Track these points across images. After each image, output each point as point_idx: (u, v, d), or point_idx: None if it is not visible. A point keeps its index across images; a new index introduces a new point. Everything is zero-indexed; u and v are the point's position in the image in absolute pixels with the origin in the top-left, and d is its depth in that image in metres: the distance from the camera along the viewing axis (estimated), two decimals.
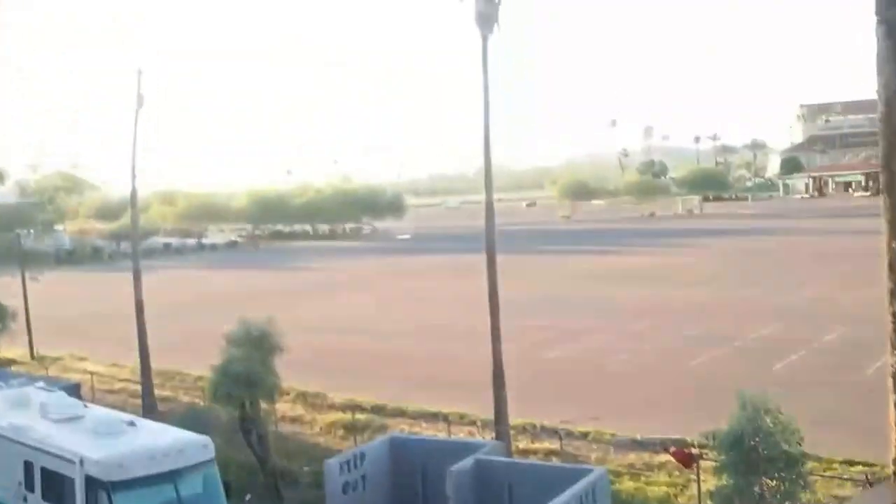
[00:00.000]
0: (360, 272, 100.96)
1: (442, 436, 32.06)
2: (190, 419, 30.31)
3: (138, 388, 41.40)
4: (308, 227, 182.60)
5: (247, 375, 29.06)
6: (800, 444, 18.84)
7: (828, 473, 25.54)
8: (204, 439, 23.06)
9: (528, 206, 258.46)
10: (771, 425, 18.57)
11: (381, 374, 45.01)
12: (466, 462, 23.00)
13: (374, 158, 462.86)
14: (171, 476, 21.77)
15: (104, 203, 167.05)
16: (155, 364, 41.87)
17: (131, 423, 23.86)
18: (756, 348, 46.36)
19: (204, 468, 22.53)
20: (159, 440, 22.94)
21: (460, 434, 32.90)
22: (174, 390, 43.47)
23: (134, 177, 42.87)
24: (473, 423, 34.30)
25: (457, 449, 24.92)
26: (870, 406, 34.51)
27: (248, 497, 26.70)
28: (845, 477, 25.83)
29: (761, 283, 71.43)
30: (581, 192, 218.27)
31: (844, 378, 38.92)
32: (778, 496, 18.72)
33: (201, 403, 34.97)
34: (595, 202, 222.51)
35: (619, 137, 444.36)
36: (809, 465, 20.67)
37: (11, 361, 52.87)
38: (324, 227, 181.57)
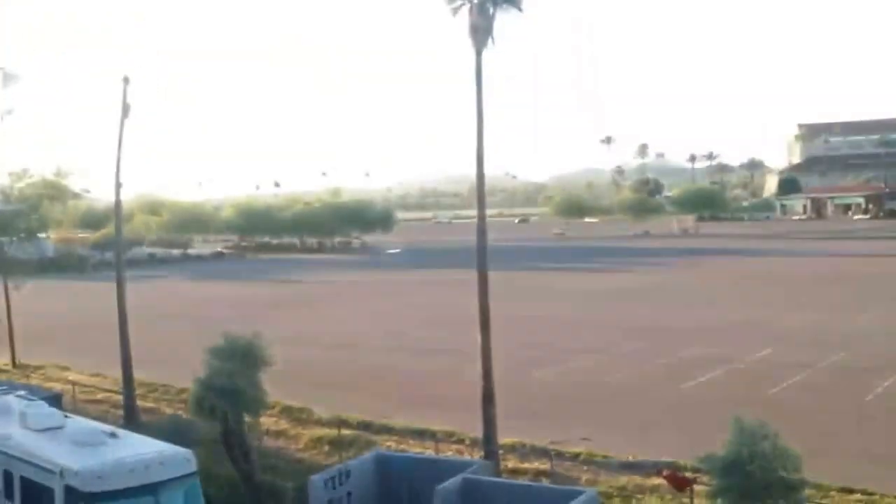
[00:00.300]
0: (348, 286, 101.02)
1: (429, 453, 31.99)
2: (172, 431, 30.22)
3: (121, 398, 41.28)
4: (296, 240, 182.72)
5: (231, 389, 28.98)
6: (798, 471, 18.74)
7: (825, 502, 25.44)
8: (186, 452, 23.00)
9: (519, 221, 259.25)
10: (769, 451, 18.46)
11: (368, 389, 44.88)
12: (454, 481, 22.89)
13: (364, 172, 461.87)
14: (152, 489, 21.70)
15: (88, 211, 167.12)
16: (138, 375, 41.84)
17: (112, 435, 23.80)
18: (752, 371, 46.32)
19: (186, 482, 22.46)
20: (141, 452, 22.86)
21: (448, 452, 32.82)
22: (157, 402, 43.28)
23: (118, 186, 42.79)
24: (462, 441, 34.17)
25: (444, 467, 24.82)
26: (870, 430, 34.85)
27: None
28: None
29: (759, 304, 71.41)
30: (575, 209, 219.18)
31: (842, 404, 38.92)
32: None
33: (185, 416, 34.84)
34: (588, 220, 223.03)
35: (614, 154, 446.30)
36: (806, 492, 20.55)
37: None
38: (311, 241, 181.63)
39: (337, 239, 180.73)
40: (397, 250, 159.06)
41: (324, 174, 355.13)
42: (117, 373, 42.06)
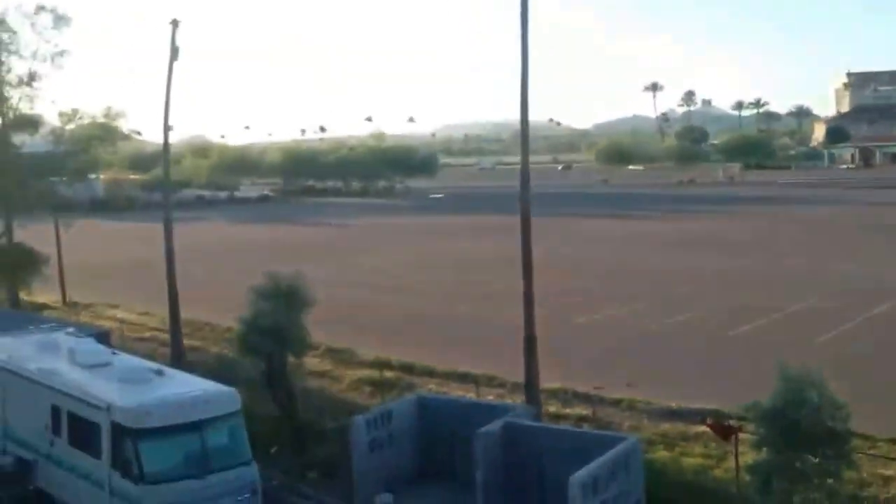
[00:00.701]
0: (393, 230, 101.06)
1: (471, 397, 31.92)
2: (217, 370, 30.45)
3: (168, 337, 41.58)
4: (340, 184, 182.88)
5: (274, 329, 29.05)
6: (846, 421, 18.39)
7: (873, 452, 25.05)
8: (230, 391, 23.05)
9: (562, 169, 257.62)
10: (816, 400, 18.11)
11: (411, 332, 44.87)
12: (495, 425, 22.78)
13: (408, 117, 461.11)
14: (197, 426, 21.78)
15: (138, 153, 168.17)
16: (186, 314, 42.06)
17: (159, 372, 23.90)
18: (801, 320, 45.83)
19: (230, 419, 22.53)
20: (186, 390, 22.96)
21: (490, 397, 32.71)
22: (203, 341, 43.62)
23: (167, 128, 42.96)
24: (503, 385, 34.07)
25: (485, 411, 24.71)
26: None
27: (273, 450, 26.70)
28: (892, 456, 25.23)
29: (806, 253, 70.56)
30: (619, 156, 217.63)
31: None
32: (821, 474, 18.34)
33: (230, 355, 35.00)
34: (632, 167, 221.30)
35: (659, 101, 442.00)
36: (854, 442, 20.20)
37: (44, 306, 53.51)
38: (355, 185, 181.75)
39: (381, 183, 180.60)
40: (440, 195, 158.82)
41: (368, 119, 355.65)
42: (165, 312, 42.32)
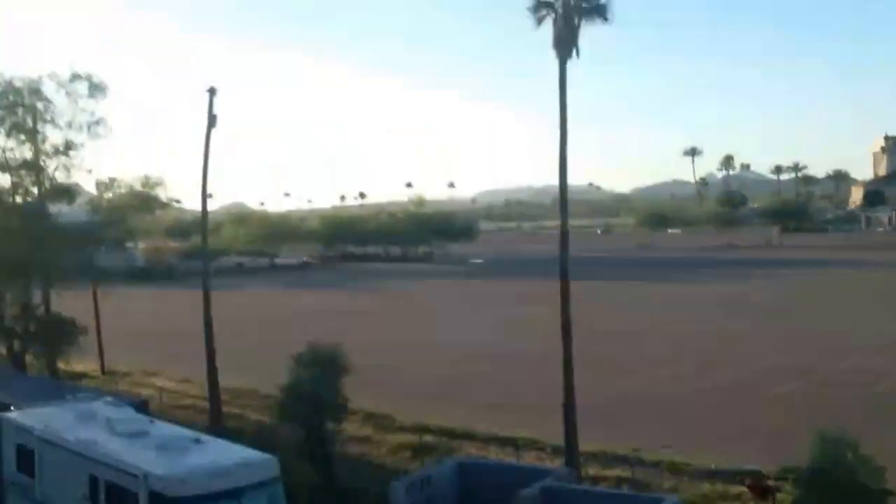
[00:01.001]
0: (435, 294, 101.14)
1: (511, 460, 31.77)
2: (257, 437, 30.45)
3: (207, 404, 41.64)
4: (380, 250, 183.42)
5: (314, 395, 29.15)
6: (882, 480, 18.33)
7: None
8: (269, 457, 23.03)
9: (602, 232, 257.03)
10: (853, 460, 18.07)
11: (452, 397, 44.78)
12: (534, 488, 22.68)
13: (448, 182, 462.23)
14: (236, 493, 21.74)
15: (177, 221, 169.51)
16: (225, 382, 42.14)
17: (197, 440, 23.89)
18: (839, 381, 45.46)
19: (269, 487, 22.48)
20: (224, 457, 22.94)
21: (529, 460, 32.56)
22: (242, 408, 43.65)
23: (205, 196, 43.33)
24: (543, 448, 33.92)
25: (525, 474, 24.61)
26: None
27: None
28: None
29: (850, 316, 69.97)
30: (658, 220, 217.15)
31: None
32: None
33: (269, 422, 35.02)
34: (671, 231, 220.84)
35: (698, 166, 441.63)
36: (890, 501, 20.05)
37: (82, 375, 53.71)
38: (395, 250, 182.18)
39: (421, 248, 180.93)
40: (480, 260, 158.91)
41: (408, 185, 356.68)
42: (204, 379, 42.42)
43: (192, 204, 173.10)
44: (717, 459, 31.43)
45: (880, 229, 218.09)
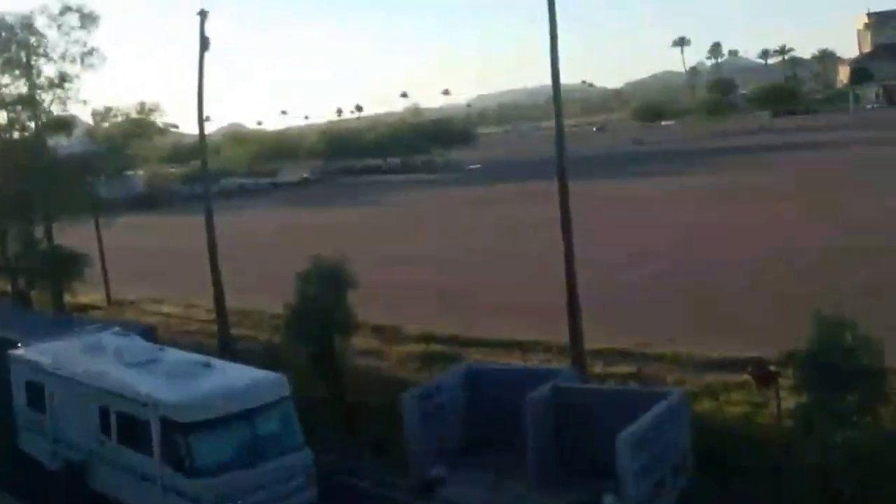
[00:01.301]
0: (431, 203, 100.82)
1: (518, 363, 31.75)
2: (266, 358, 30.43)
3: (215, 328, 41.59)
4: (380, 162, 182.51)
5: (321, 312, 29.03)
6: (880, 359, 18.32)
7: None
8: (278, 377, 23.03)
9: (597, 130, 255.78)
10: (851, 340, 18.05)
11: (455, 303, 44.71)
12: (543, 389, 22.64)
13: (443, 90, 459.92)
14: (247, 415, 21.77)
15: (176, 146, 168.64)
16: (231, 303, 42.00)
17: (206, 365, 23.88)
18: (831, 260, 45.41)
19: (280, 406, 22.51)
20: (234, 380, 22.96)
21: (535, 361, 32.55)
22: (251, 329, 43.54)
23: (201, 119, 42.82)
24: (549, 349, 33.86)
25: (533, 376, 24.60)
26: None
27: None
28: None
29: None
30: (651, 113, 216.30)
31: None
32: (859, 412, 18.20)
33: (277, 342, 34.95)
34: (664, 122, 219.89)
35: (687, 56, 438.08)
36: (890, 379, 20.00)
37: (89, 307, 53.56)
38: (395, 161, 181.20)
39: (420, 158, 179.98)
40: (477, 165, 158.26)
41: (404, 95, 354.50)
42: (211, 303, 42.30)
43: (189, 128, 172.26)
44: (720, 349, 31.45)
45: (869, 106, 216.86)
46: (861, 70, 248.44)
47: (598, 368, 31.26)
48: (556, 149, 31.47)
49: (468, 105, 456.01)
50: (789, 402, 21.36)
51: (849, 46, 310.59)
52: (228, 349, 37.76)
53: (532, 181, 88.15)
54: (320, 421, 26.69)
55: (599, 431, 21.24)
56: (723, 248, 52.32)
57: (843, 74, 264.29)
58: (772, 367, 25.45)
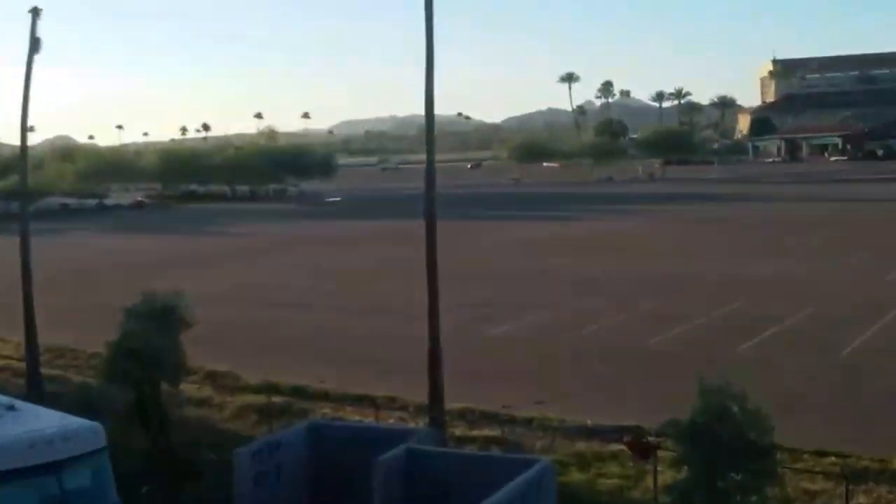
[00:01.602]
0: (279, 237, 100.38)
1: (369, 421, 31.62)
2: (80, 402, 29.67)
3: (23, 366, 40.51)
4: (226, 188, 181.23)
5: (146, 352, 28.47)
6: (770, 434, 18.58)
7: (798, 465, 25.33)
8: (94, 425, 22.44)
9: (472, 167, 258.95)
10: (738, 413, 18.25)
11: (302, 351, 44.43)
12: (397, 451, 22.50)
13: (303, 113, 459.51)
14: (55, 467, 21.14)
15: None
16: (44, 340, 40.99)
17: (10, 407, 23.15)
18: (719, 326, 46.42)
19: (93, 458, 21.92)
20: (42, 426, 22.28)
21: (390, 420, 32.47)
22: (65, 369, 42.40)
23: (25, 129, 41.83)
24: (405, 407, 33.82)
25: (385, 436, 24.45)
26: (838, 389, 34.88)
27: (144, 489, 26.07)
28: (817, 470, 25.67)
29: (726, 254, 71.53)
30: (532, 152, 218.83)
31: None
32: (744, 491, 18.45)
33: (95, 384, 34.16)
34: (547, 164, 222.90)
35: (575, 94, 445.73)
36: (779, 456, 20.40)
37: None
38: (243, 189, 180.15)
39: (272, 187, 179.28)
40: (337, 198, 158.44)
41: (258, 115, 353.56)
42: (20, 336, 41.28)
43: (10, 138, 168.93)
44: (592, 415, 31.76)
45: (769, 160, 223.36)
46: (763, 120, 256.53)
47: (458, 430, 31.26)
48: (425, 186, 31.48)
49: (330, 132, 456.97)
50: (667, 476, 21.61)
51: (750, 94, 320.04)
52: (37, 391, 36.81)
53: (394, 220, 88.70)
54: (140, 478, 26.14)
55: (457, 501, 21.25)
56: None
57: (744, 124, 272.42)
58: (650, 438, 25.79)
